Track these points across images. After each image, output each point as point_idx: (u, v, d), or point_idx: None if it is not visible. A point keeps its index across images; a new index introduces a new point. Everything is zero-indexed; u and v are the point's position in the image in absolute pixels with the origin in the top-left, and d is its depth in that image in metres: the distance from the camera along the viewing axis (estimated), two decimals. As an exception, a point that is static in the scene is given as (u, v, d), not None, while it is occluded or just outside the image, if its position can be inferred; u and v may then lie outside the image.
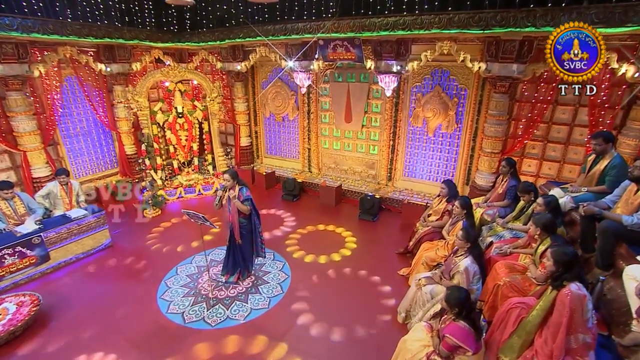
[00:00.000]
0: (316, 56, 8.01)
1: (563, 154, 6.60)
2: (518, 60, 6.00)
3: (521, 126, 6.66)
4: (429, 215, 6.22)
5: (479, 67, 6.41)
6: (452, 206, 5.73)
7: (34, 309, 4.73)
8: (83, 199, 6.81)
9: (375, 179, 8.77)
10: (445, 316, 3.63)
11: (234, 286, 5.56)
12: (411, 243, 6.19)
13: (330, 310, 5.08)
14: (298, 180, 8.87)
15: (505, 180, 5.75)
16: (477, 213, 5.69)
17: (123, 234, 7.12)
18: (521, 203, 5.23)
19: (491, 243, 4.98)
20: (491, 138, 6.74)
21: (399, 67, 7.12)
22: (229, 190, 5.27)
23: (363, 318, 4.92)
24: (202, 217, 4.84)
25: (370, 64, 7.39)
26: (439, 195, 6.14)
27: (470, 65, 6.46)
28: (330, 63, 8.20)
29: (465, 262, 4.30)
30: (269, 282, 5.69)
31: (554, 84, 6.11)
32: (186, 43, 9.35)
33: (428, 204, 7.30)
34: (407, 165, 8.28)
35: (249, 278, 5.75)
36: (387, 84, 7.33)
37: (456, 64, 6.98)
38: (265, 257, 5.88)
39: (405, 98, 7.84)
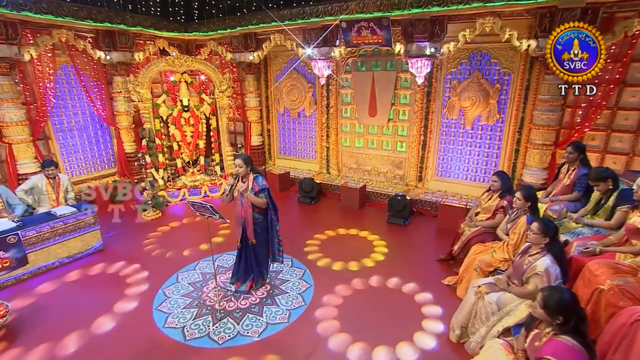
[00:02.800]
0: (337, 42, 7.32)
1: (632, 145, 5.68)
2: (579, 33, 5.20)
3: (580, 112, 5.79)
4: (476, 214, 5.32)
5: (528, 46, 5.62)
6: (507, 202, 4.86)
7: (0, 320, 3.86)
8: (72, 196, 6.01)
9: (403, 179, 7.91)
10: (539, 330, 2.70)
11: (246, 296, 4.67)
12: (456, 247, 5.28)
13: (364, 325, 4.16)
14: (316, 181, 8.04)
15: (573, 169, 4.85)
16: (540, 209, 4.78)
17: (117, 237, 6.30)
18: (595, 195, 4.32)
19: (566, 242, 4.06)
20: (542, 128, 5.90)
21: (432, 50, 6.35)
22: (241, 179, 4.45)
23: (405, 336, 3.99)
24: (210, 207, 3.98)
25: (399, 47, 6.65)
26: (488, 190, 5.25)
27: (517, 43, 5.67)
28: (353, 50, 7.49)
29: (544, 262, 3.39)
30: (287, 292, 4.79)
31: (624, 59, 5.28)
32: (194, 33, 8.71)
33: (468, 206, 6.44)
34: (440, 164, 7.43)
35: (264, 287, 4.87)
36: (419, 69, 6.56)
37: (498, 45, 6.23)
38: (282, 262, 5.00)
39: (439, 86, 7.06)
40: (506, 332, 3.43)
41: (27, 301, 4.61)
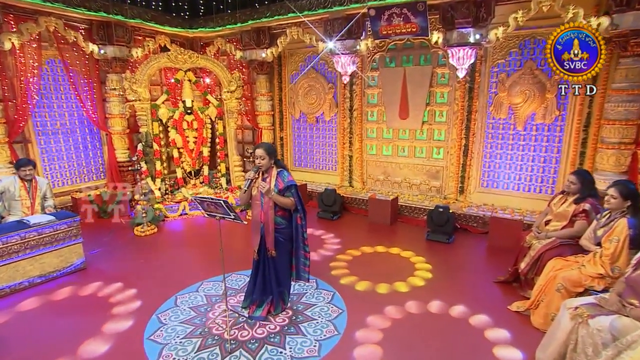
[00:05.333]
0: (364, 34, 6.86)
1: None
2: (666, 3, 4.68)
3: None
4: (546, 223, 4.59)
5: (598, 25, 5.05)
6: (590, 205, 4.16)
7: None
8: (52, 204, 5.37)
9: (440, 192, 7.23)
10: None
11: (263, 323, 3.92)
12: (523, 265, 4.51)
13: (419, 361, 3.39)
14: (339, 194, 7.42)
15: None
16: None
17: (103, 254, 5.63)
18: None
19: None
20: (619, 122, 5.24)
21: (477, 37, 5.83)
22: (263, 174, 3.81)
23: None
24: (224, 203, 3.34)
25: (436, 36, 6.16)
26: (562, 193, 4.56)
27: (582, 23, 5.11)
28: (381, 43, 7.03)
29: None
30: (315, 319, 4.03)
31: None
32: (199, 29, 8.33)
33: (526, 221, 5.76)
34: (485, 172, 6.77)
35: (284, 312, 4.13)
36: (461, 60, 6.03)
37: (557, 29, 5.66)
38: (309, 280, 4.26)
39: (483, 81, 6.49)
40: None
41: (-17, 329, 3.88)
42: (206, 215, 3.65)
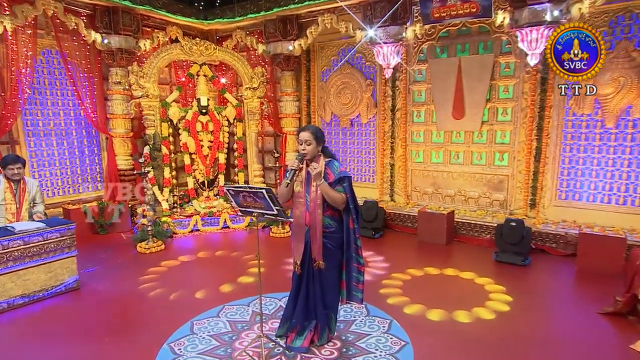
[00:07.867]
0: (410, 20, 6.52)
1: None
2: None
3: None
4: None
5: None
6: None
7: None
8: (41, 209, 5.01)
9: (504, 206, 6.69)
10: None
11: (305, 356, 3.39)
12: (641, 290, 3.91)
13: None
14: (381, 207, 7.02)
15: None
16: None
17: (100, 273, 5.27)
18: None
19: None
20: None
21: (556, 14, 5.41)
22: (308, 164, 3.36)
23: None
24: (266, 193, 2.90)
25: (502, 17, 5.76)
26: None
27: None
28: (431, 28, 6.68)
29: None
30: (372, 352, 3.49)
31: None
32: (216, 20, 8.13)
33: (630, 240, 5.22)
34: (563, 181, 6.23)
35: (330, 343, 3.58)
36: (533, 43, 5.59)
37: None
38: (362, 302, 3.71)
39: (560, 70, 6.05)
40: None
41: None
42: (239, 213, 3.20)
